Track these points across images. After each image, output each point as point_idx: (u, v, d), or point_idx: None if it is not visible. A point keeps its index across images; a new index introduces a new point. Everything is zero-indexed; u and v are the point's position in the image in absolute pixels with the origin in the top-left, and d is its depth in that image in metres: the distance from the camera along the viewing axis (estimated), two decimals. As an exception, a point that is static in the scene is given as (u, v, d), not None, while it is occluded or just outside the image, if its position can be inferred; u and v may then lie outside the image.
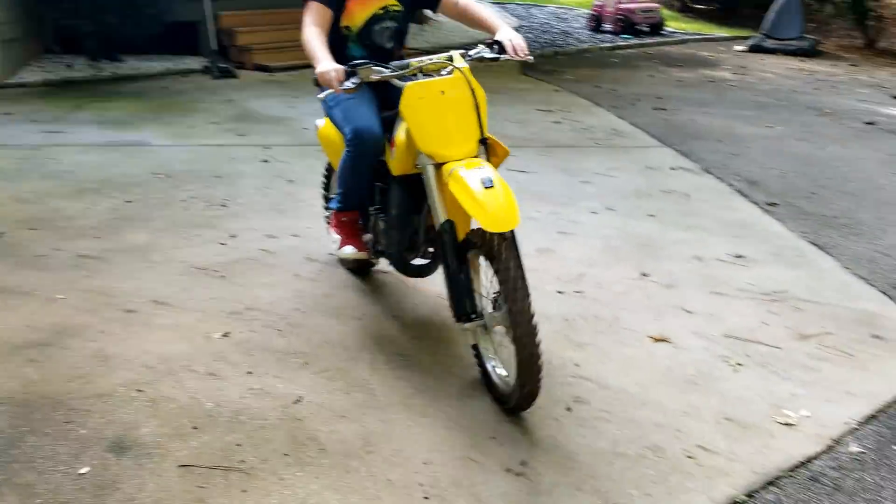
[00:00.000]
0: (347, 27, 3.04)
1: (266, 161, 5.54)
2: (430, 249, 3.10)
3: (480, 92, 2.67)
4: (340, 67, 2.63)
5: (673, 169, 5.84)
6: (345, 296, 3.49)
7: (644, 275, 3.88)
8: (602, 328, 3.33)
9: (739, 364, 3.09)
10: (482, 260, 2.67)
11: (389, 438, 2.52)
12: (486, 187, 2.42)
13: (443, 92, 2.65)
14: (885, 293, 3.82)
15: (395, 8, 3.08)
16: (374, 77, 2.68)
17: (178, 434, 2.47)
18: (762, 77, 10.42)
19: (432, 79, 2.71)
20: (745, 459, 2.51)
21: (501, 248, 2.46)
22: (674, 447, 2.56)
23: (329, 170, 3.71)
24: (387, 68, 2.71)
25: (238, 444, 2.44)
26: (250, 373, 2.84)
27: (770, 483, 2.42)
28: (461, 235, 2.69)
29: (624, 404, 2.79)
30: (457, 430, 2.59)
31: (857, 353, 3.21)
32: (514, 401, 2.59)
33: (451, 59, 2.76)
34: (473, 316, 2.69)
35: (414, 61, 2.75)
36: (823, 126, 7.54)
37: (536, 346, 2.45)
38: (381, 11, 3.06)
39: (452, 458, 2.45)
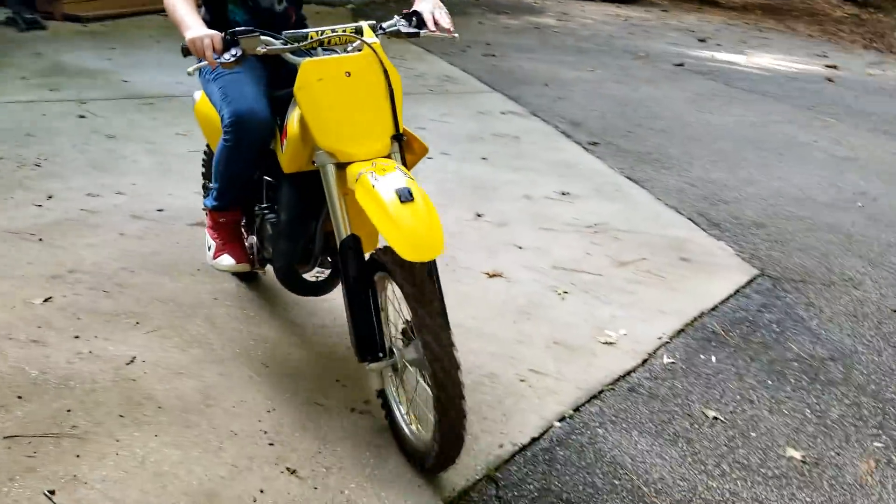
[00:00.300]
0: None
1: (83, 116, 5.19)
2: (329, 259, 2.57)
3: (395, 75, 2.19)
4: (216, 34, 2.12)
5: (503, 113, 6.02)
6: (175, 252, 3.38)
7: (478, 215, 4.03)
8: (439, 268, 3.41)
9: (566, 292, 3.30)
10: (392, 285, 2.18)
11: (231, 390, 2.51)
12: (404, 201, 1.94)
13: (348, 73, 2.14)
14: (692, 220, 4.18)
15: None
16: (261, 50, 2.14)
17: (1, 405, 2.34)
18: (583, 23, 10.86)
19: (336, 55, 2.22)
20: (572, 378, 2.72)
21: (422, 279, 2.02)
22: (508, 373, 2.72)
23: (208, 153, 3.09)
24: (278, 38, 2.19)
25: (69, 410, 2.34)
26: (77, 337, 2.71)
27: (594, 397, 2.64)
28: (367, 250, 2.22)
29: (462, 338, 2.88)
30: (300, 377, 2.62)
31: (668, 276, 3.51)
32: (431, 460, 2.12)
33: (359, 31, 2.24)
34: (381, 354, 2.22)
35: (314, 31, 2.23)
36: (638, 69, 8.01)
37: (459, 391, 2.01)
38: None
39: (297, 403, 2.48)
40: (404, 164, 2.21)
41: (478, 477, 2.23)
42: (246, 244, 2.79)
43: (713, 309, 3.26)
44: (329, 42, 2.23)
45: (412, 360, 2.14)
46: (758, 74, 8.19)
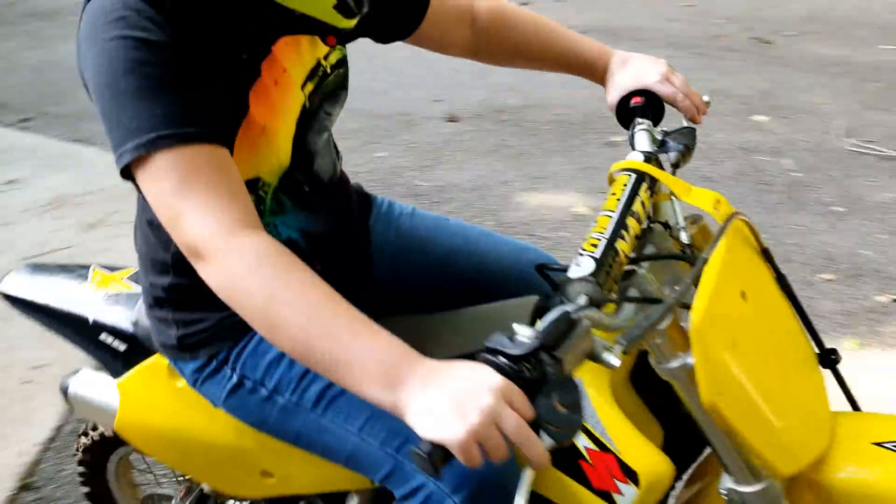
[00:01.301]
0: (257, 179, 1.19)
1: None
2: None
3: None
4: (510, 385, 0.79)
5: None
6: None
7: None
8: None
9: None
10: None
11: None
12: None
13: (744, 294, 0.99)
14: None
15: (335, 60, 1.26)
16: (609, 360, 0.86)
17: None
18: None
19: (702, 273, 0.94)
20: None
21: None
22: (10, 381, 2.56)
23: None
24: (613, 306, 0.97)
25: None
26: None
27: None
28: None
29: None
30: None
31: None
32: None
33: (648, 182, 1.06)
34: None
35: (622, 236, 0.97)
36: (50, 30, 7.49)
37: None
38: (314, 85, 1.22)
39: None
40: (852, 403, 1.17)
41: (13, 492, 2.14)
42: None
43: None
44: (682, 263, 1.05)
45: None
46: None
